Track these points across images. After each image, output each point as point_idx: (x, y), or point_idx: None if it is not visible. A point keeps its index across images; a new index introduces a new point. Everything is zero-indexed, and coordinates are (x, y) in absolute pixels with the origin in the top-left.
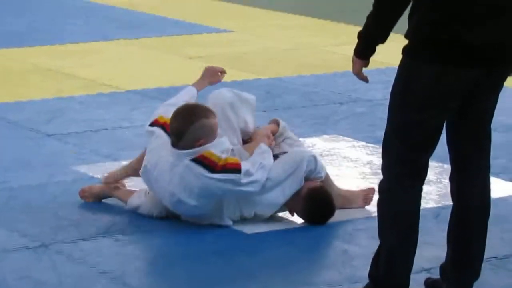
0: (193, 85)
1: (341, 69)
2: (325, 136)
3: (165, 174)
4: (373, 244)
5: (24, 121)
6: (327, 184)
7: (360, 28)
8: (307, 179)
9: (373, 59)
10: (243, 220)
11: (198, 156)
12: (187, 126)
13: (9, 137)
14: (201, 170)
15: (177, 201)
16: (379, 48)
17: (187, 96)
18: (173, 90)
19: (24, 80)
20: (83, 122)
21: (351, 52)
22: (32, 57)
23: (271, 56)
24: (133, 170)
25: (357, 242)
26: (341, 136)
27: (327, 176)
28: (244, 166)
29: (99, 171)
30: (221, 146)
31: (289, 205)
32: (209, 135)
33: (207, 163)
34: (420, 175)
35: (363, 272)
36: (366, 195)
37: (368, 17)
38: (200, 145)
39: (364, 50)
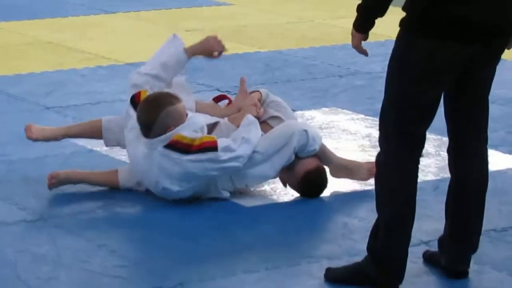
0: (185, 49)
1: (340, 42)
2: (324, 109)
3: (145, 165)
4: (372, 217)
5: (23, 94)
6: (325, 157)
7: (359, 2)
8: (300, 153)
9: (372, 32)
10: (241, 193)
11: (170, 142)
12: (154, 118)
13: (8, 110)
14: (176, 155)
15: (162, 190)
16: (378, 21)
17: (167, 57)
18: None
19: (23, 53)
20: (82, 95)
21: (350, 25)
22: (32, 30)
23: (271, 29)
24: (80, 130)
25: (357, 215)
26: (340, 109)
27: (324, 148)
28: (222, 142)
29: (97, 144)
30: (194, 126)
31: (283, 178)
32: (178, 120)
33: (180, 147)
34: (417, 148)
35: (363, 245)
36: (370, 168)
37: None
38: (169, 131)
39: (363, 23)
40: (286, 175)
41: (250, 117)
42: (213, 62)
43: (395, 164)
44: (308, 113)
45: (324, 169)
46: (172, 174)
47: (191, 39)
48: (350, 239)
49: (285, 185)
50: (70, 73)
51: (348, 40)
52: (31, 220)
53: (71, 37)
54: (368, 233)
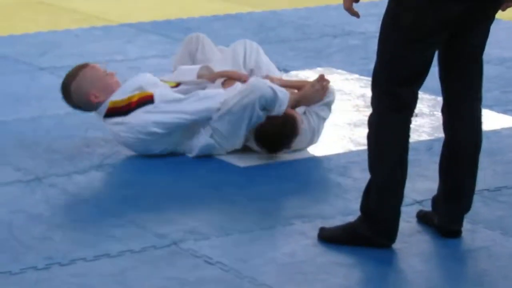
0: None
1: (334, 2)
2: (318, 69)
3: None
4: (366, 177)
5: (16, 54)
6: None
7: None
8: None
9: None
10: (235, 153)
11: (106, 111)
12: (72, 100)
13: (2, 71)
14: (117, 119)
15: (135, 149)
16: None
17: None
18: (167, 24)
19: (15, 13)
20: (76, 56)
21: None
22: None
23: None
24: None
25: (350, 175)
26: (334, 69)
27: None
28: (162, 95)
29: None
30: (127, 89)
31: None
32: (91, 84)
33: (118, 110)
34: (409, 108)
35: (356, 205)
36: (321, 86)
37: None
38: (95, 97)
39: None
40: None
41: (238, 84)
42: (206, 22)
43: (387, 124)
44: (302, 73)
45: (286, 119)
46: (126, 139)
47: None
48: (343, 199)
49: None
50: (64, 34)
51: (342, 0)
52: (26, 180)
53: None
54: (362, 193)
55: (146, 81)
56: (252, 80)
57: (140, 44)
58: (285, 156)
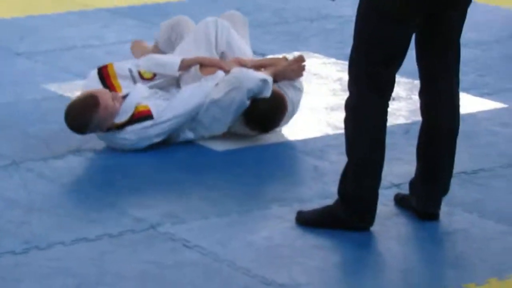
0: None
1: None
2: (295, 53)
3: None
4: (343, 160)
5: None
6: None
7: None
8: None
9: None
10: (214, 138)
11: (106, 128)
12: (83, 130)
13: None
14: (116, 134)
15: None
16: None
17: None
18: (144, 8)
19: None
20: (54, 41)
21: None
22: None
23: None
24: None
25: (328, 158)
26: (311, 53)
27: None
28: (156, 105)
29: (69, 89)
30: (130, 108)
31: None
32: (107, 120)
33: (117, 127)
34: (386, 90)
35: (333, 188)
36: (298, 67)
37: None
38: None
39: None
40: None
41: (219, 73)
42: (183, 6)
43: (364, 107)
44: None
45: (286, 101)
46: (120, 145)
47: None
48: (321, 182)
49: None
50: (40, 18)
51: None
52: (3, 165)
53: None
54: (339, 176)
55: (141, 95)
56: (238, 71)
57: (117, 29)
58: (263, 140)
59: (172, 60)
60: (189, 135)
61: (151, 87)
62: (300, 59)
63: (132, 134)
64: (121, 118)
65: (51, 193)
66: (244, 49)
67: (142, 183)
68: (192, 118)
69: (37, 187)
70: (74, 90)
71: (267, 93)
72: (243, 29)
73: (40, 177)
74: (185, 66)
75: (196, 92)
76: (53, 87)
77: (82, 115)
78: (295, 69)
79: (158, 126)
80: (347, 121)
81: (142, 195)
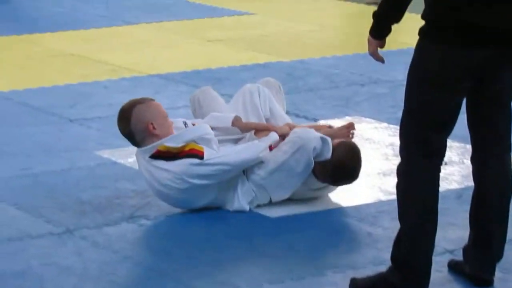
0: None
1: (361, 51)
2: (347, 117)
3: (142, 174)
4: (396, 226)
5: (46, 106)
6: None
7: None
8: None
9: (394, 39)
10: (266, 204)
11: (154, 152)
12: (128, 123)
13: (32, 123)
14: (161, 163)
15: (166, 198)
16: (401, 28)
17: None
18: (196, 74)
19: (47, 65)
20: (106, 107)
21: None
22: (55, 43)
23: (292, 39)
24: None
25: (381, 224)
26: (363, 118)
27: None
28: (210, 152)
29: (122, 155)
30: (183, 138)
31: (315, 169)
32: (154, 115)
33: (166, 156)
34: (437, 156)
35: (387, 254)
36: (347, 133)
37: None
38: (153, 128)
39: (379, 30)
40: (317, 166)
41: (272, 135)
42: (235, 72)
43: (415, 173)
44: (331, 122)
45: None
46: (161, 181)
47: (214, 49)
48: (374, 248)
49: (318, 178)
50: (93, 85)
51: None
52: (57, 232)
53: (94, 48)
54: (392, 243)
55: (203, 135)
56: (300, 132)
57: (169, 95)
58: (315, 206)
59: (226, 115)
60: (245, 206)
61: None
62: (350, 126)
63: (176, 167)
64: (171, 143)
65: (105, 260)
66: (284, 116)
67: (194, 250)
68: (240, 176)
69: (91, 255)
70: (127, 157)
71: (328, 154)
72: (278, 96)
73: (94, 245)
74: (239, 123)
75: (249, 147)
76: (106, 154)
77: (129, 106)
78: (344, 134)
79: (204, 167)
80: (398, 187)
81: (194, 262)
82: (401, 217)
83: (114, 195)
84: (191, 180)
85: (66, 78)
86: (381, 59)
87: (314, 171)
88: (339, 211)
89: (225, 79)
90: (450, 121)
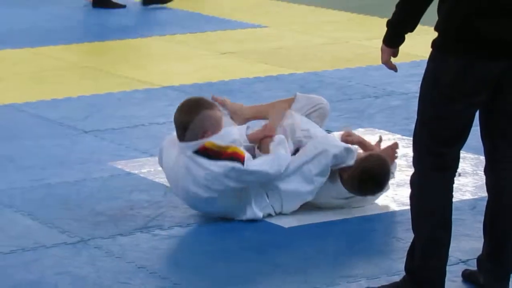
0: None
1: (375, 63)
2: (360, 129)
3: (173, 170)
4: (410, 236)
5: (60, 118)
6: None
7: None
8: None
9: (408, 52)
10: (280, 214)
11: (200, 147)
12: (191, 118)
13: (46, 135)
14: (203, 160)
15: (191, 197)
16: (414, 41)
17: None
18: (209, 86)
19: (60, 77)
20: (119, 119)
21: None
22: (68, 55)
23: (306, 51)
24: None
25: (394, 235)
26: (376, 129)
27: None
28: (248, 159)
29: (135, 167)
30: (228, 138)
31: (343, 177)
32: (215, 126)
33: (210, 153)
34: (451, 168)
35: (401, 264)
36: (392, 152)
37: (396, 5)
38: (208, 135)
39: (393, 38)
40: (344, 173)
41: (277, 138)
42: (248, 84)
43: (429, 185)
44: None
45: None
46: (199, 180)
47: (227, 61)
48: (388, 258)
49: (346, 187)
50: (107, 97)
51: None
52: (71, 242)
53: (107, 61)
54: (405, 252)
55: (239, 136)
56: (323, 137)
57: None
58: (328, 216)
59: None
60: (258, 214)
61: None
62: (395, 146)
63: (219, 168)
64: (216, 140)
65: (119, 270)
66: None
67: (208, 260)
68: (265, 184)
69: (105, 264)
70: (140, 167)
71: (350, 162)
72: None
73: (108, 254)
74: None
75: (280, 157)
76: (120, 165)
77: (197, 106)
78: (389, 154)
79: (244, 173)
80: (412, 198)
81: (208, 272)
82: (415, 228)
83: (128, 205)
84: (228, 183)
85: (80, 90)
86: (394, 68)
87: (342, 180)
88: (352, 221)
89: (238, 91)
90: (464, 134)
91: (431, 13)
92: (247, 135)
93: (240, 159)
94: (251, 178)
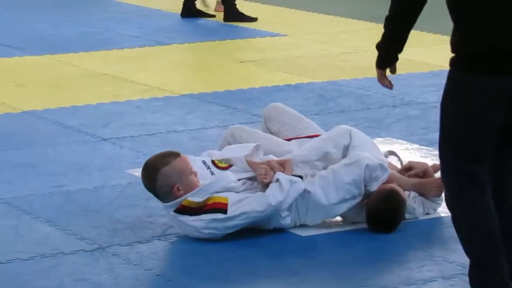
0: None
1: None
2: (378, 139)
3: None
4: (426, 244)
5: (80, 125)
6: (395, 179)
7: (413, 32)
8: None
9: (426, 62)
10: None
11: (178, 207)
12: (154, 183)
13: (65, 142)
14: (185, 218)
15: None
16: (432, 51)
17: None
18: (228, 94)
19: (80, 85)
20: (138, 126)
21: (404, 55)
22: (88, 63)
23: (324, 60)
24: None
25: (411, 245)
26: (394, 139)
27: (392, 173)
28: (236, 202)
29: None
30: (208, 191)
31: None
32: (179, 177)
33: (190, 211)
34: (483, 186)
35: (418, 274)
36: (439, 183)
37: (384, 26)
38: (178, 190)
39: (382, 61)
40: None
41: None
42: (266, 92)
43: (466, 207)
44: None
45: (399, 194)
46: (189, 231)
47: (245, 70)
48: (406, 268)
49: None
50: (126, 105)
51: (402, 70)
52: (89, 249)
53: (127, 69)
54: (423, 262)
55: (225, 185)
56: (358, 151)
57: (200, 115)
58: (345, 226)
59: (245, 145)
60: (285, 221)
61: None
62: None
63: (201, 222)
64: (194, 197)
65: (137, 277)
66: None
67: (225, 268)
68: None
69: (123, 272)
70: None
71: (376, 183)
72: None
73: (126, 262)
74: (248, 159)
75: (273, 190)
76: (138, 172)
77: (154, 167)
78: (437, 188)
79: (230, 221)
80: (454, 222)
81: (225, 281)
82: (465, 248)
83: (146, 213)
84: (215, 232)
85: (99, 97)
86: (389, 86)
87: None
88: (370, 230)
89: (256, 100)
90: (488, 152)
91: (449, 22)
92: (247, 161)
93: (221, 208)
94: (239, 221)
